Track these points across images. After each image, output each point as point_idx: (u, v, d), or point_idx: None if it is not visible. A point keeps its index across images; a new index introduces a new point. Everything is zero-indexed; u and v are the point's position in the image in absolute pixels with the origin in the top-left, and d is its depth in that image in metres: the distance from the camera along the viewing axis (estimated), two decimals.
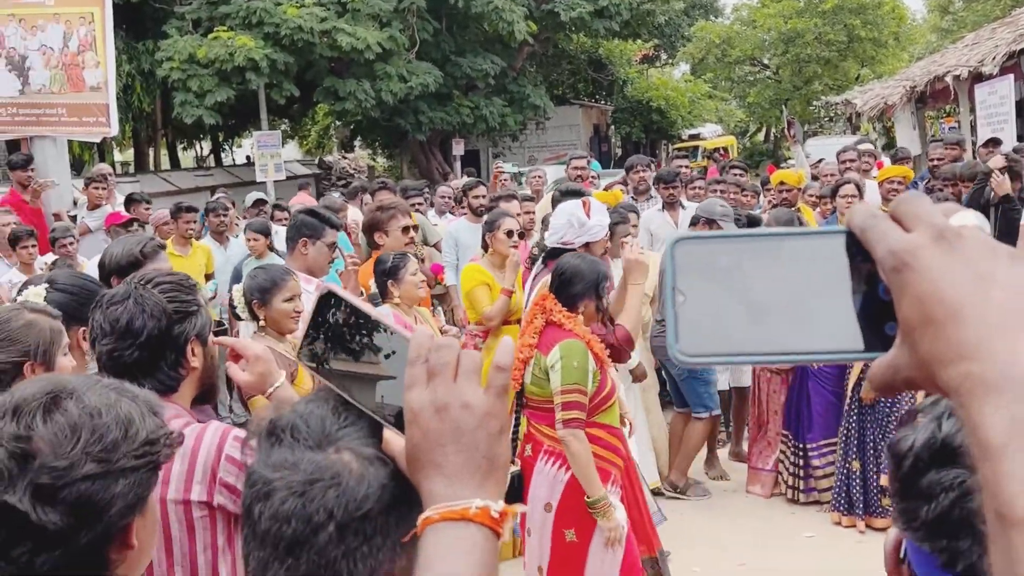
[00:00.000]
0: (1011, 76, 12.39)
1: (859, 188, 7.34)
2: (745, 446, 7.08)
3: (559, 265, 4.22)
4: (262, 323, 4.06)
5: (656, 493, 6.51)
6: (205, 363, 2.32)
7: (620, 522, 3.97)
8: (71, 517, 1.25)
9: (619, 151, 39.95)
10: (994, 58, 15.78)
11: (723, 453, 7.25)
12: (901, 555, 0.99)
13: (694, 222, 6.37)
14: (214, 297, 7.75)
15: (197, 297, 2.33)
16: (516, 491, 4.12)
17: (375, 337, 1.07)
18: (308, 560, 1.01)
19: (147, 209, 9.18)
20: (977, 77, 15.31)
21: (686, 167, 10.95)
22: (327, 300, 1.09)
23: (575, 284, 4.10)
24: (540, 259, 5.14)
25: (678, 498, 6.61)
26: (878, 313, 0.71)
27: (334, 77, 22.87)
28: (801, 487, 6.36)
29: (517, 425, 4.27)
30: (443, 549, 0.93)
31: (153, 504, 1.41)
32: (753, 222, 6.91)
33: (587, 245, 4.84)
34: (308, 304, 4.69)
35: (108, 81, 10.85)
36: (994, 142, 9.75)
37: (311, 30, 20.56)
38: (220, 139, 33.10)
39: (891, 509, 1.03)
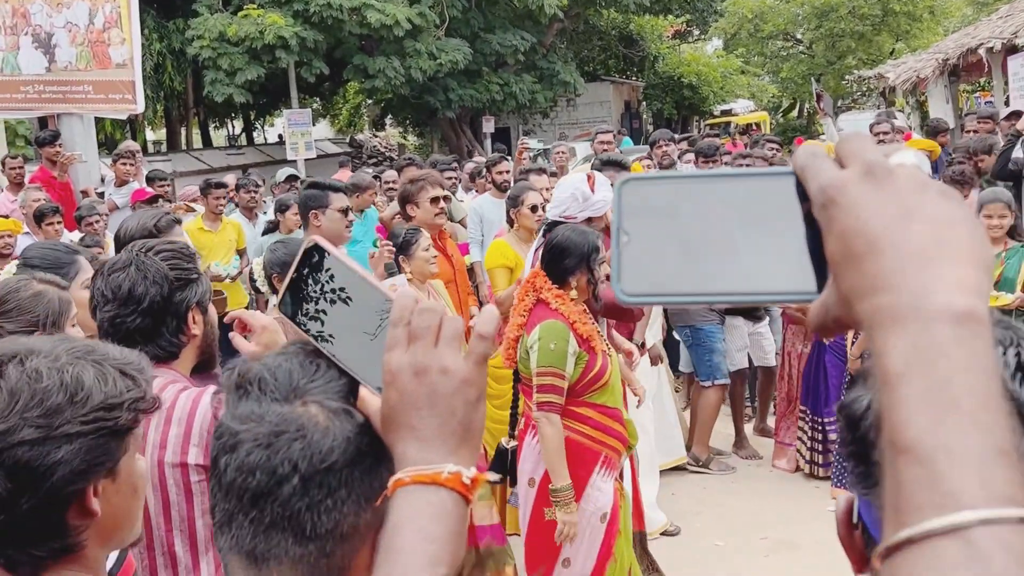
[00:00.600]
0: None
1: None
2: (771, 422, 7.05)
3: (550, 238, 4.11)
4: None
5: (680, 468, 6.53)
6: (205, 331, 2.34)
7: (604, 508, 3.92)
8: (9, 482, 1.25)
9: (651, 127, 39.62)
10: None
11: (749, 429, 7.23)
12: (854, 520, 0.96)
13: None
14: (240, 273, 7.80)
15: (197, 265, 2.34)
16: (508, 465, 4.13)
17: (359, 293, 1.06)
18: (272, 512, 1.01)
19: (162, 186, 9.30)
20: (1011, 49, 15.02)
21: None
22: (312, 252, 1.08)
23: (566, 257, 3.99)
24: (541, 232, 5.11)
25: (702, 472, 6.60)
26: (824, 254, 0.70)
27: (363, 55, 22.89)
28: (819, 461, 6.33)
29: (516, 402, 4.25)
30: (413, 512, 0.94)
31: (129, 470, 1.39)
32: None
33: (589, 220, 4.80)
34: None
35: (134, 58, 10.90)
36: (1016, 114, 9.57)
37: (340, 7, 20.58)
38: (252, 118, 33.30)
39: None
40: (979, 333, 0.60)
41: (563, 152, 10.54)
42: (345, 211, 4.85)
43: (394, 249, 4.98)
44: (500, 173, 8.47)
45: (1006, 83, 14.81)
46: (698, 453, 6.65)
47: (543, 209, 5.86)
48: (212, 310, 2.43)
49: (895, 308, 0.62)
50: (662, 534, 5.57)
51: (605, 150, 9.02)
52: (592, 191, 4.79)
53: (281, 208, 7.39)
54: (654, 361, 6.08)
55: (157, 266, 2.23)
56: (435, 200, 5.57)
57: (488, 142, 26.77)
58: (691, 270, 0.73)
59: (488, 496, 4.53)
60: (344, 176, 12.72)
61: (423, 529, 0.93)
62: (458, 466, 0.95)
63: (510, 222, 5.99)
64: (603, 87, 34.86)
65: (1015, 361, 0.93)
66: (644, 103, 38.06)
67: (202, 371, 2.39)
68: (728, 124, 32.81)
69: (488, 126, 26.68)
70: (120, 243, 3.69)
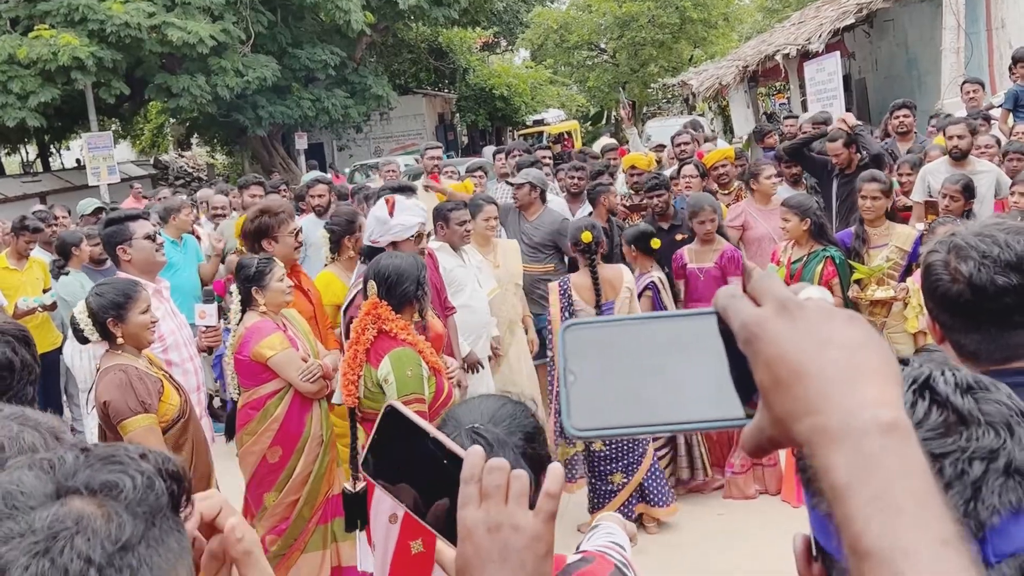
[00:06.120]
0: (837, 53, 12.89)
1: (699, 168, 7.52)
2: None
3: (380, 269, 4.13)
4: (120, 341, 3.86)
5: None
6: None
7: None
8: None
9: (465, 139, 39.97)
10: (820, 36, 16.51)
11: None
12: (813, 554, 0.98)
13: None
14: (54, 305, 7.43)
15: None
16: (362, 509, 4.00)
17: (432, 453, 1.16)
18: None
19: None
20: (805, 55, 15.94)
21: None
22: (389, 416, 1.18)
23: (403, 284, 4.05)
24: (360, 259, 5.13)
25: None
26: (750, 383, 0.78)
27: (166, 73, 22.08)
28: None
29: (355, 439, 4.15)
30: None
31: None
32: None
33: (394, 244, 4.85)
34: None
35: None
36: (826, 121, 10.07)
37: (139, 25, 19.76)
38: (47, 142, 31.52)
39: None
40: (906, 439, 0.70)
41: (393, 171, 10.46)
42: (152, 237, 4.88)
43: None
44: (315, 196, 8.38)
45: (801, 86, 15.69)
46: None
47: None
48: None
49: (829, 427, 0.71)
50: None
51: (435, 166, 8.98)
52: (391, 215, 4.82)
53: (64, 246, 7.49)
54: (473, 368, 5.96)
55: None
56: (295, 233, 5.31)
57: (302, 158, 26.31)
58: (631, 404, 0.81)
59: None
60: (133, 203, 12.23)
61: None
62: None
63: (335, 251, 5.77)
64: (416, 100, 34.89)
65: (953, 379, 1.05)
66: (458, 115, 38.32)
67: None
68: (541, 134, 33.48)
69: (301, 142, 26.23)
70: None
